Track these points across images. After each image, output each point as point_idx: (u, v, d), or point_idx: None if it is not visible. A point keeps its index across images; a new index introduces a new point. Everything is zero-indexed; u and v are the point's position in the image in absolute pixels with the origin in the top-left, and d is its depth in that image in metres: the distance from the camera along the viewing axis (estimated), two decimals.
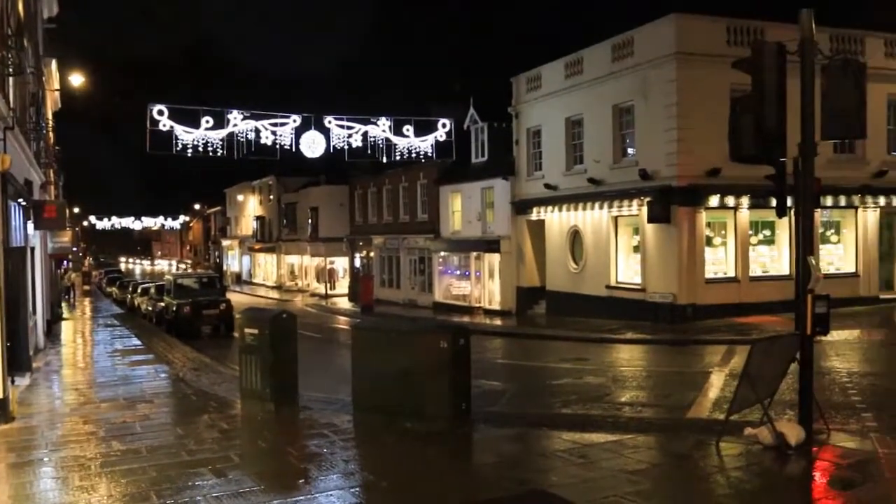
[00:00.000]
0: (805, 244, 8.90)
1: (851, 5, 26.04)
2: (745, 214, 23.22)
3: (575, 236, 27.72)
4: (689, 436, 9.38)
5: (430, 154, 24.14)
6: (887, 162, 24.86)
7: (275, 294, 55.95)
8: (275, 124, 22.61)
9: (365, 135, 24.04)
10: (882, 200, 24.81)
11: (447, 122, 25.03)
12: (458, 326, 11.25)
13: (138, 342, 23.12)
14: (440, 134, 24.99)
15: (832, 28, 23.48)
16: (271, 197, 62.03)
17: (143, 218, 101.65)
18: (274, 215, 61.85)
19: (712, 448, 8.67)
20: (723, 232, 23.73)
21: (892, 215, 25.72)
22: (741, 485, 7.71)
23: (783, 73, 8.48)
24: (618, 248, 25.83)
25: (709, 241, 23.42)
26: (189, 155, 21.55)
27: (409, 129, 24.93)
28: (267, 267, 66.73)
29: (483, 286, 33.69)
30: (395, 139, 24.56)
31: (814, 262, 8.68)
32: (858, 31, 24.48)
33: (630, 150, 25.17)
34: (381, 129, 24.22)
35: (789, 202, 9.22)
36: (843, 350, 16.70)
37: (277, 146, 22.64)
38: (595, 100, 26.19)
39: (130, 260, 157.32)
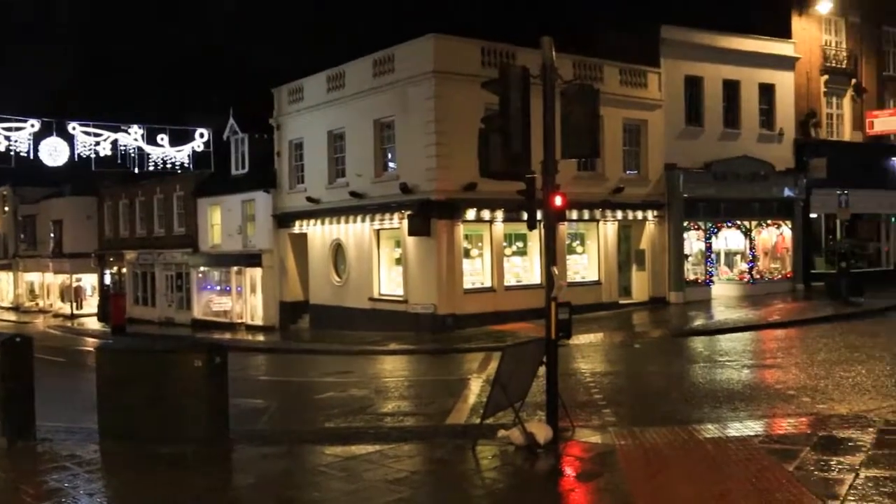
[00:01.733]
0: (549, 255, 9.49)
1: (595, 36, 28.27)
2: (499, 227, 24.45)
3: (338, 249, 27.77)
4: (448, 441, 9.68)
5: (187, 165, 23.20)
6: (623, 179, 27.30)
7: (11, 316, 50.91)
8: (9, 129, 20.63)
9: (115, 143, 22.60)
10: (619, 214, 27.17)
11: (205, 131, 24.19)
12: (213, 344, 10.87)
13: None
14: (198, 144, 24.11)
15: (574, 56, 25.39)
16: (6, 209, 56.41)
17: None
18: (9, 229, 56.28)
19: (469, 452, 9.01)
20: (479, 244, 24.83)
21: (628, 228, 28.24)
22: (495, 485, 8.08)
23: (527, 94, 9.03)
24: (380, 260, 26.21)
25: (467, 253, 24.40)
26: None
27: (163, 139, 23.80)
28: (1, 286, 60.58)
29: (245, 301, 32.80)
30: (148, 148, 23.33)
31: (556, 271, 9.28)
32: (598, 59, 26.67)
33: (391, 165, 25.67)
34: (132, 137, 22.88)
35: (539, 215, 9.75)
36: (587, 352, 18.04)
37: (12, 153, 20.66)
38: (357, 114, 26.45)
39: None
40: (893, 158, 36.42)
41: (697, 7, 30.50)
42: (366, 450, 9.30)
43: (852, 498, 6.87)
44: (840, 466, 7.79)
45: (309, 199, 28.60)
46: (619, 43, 27.89)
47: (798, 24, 33.04)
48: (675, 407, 11.59)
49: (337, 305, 27.47)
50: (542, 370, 9.62)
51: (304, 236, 29.50)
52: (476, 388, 14.14)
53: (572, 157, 9.70)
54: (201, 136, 24.62)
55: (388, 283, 25.98)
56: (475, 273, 24.61)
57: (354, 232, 26.79)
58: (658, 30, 28.45)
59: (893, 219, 36.26)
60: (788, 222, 31.53)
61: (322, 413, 12.81)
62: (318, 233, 28.56)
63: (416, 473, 8.47)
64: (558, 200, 9.54)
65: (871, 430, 9.18)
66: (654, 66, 28.27)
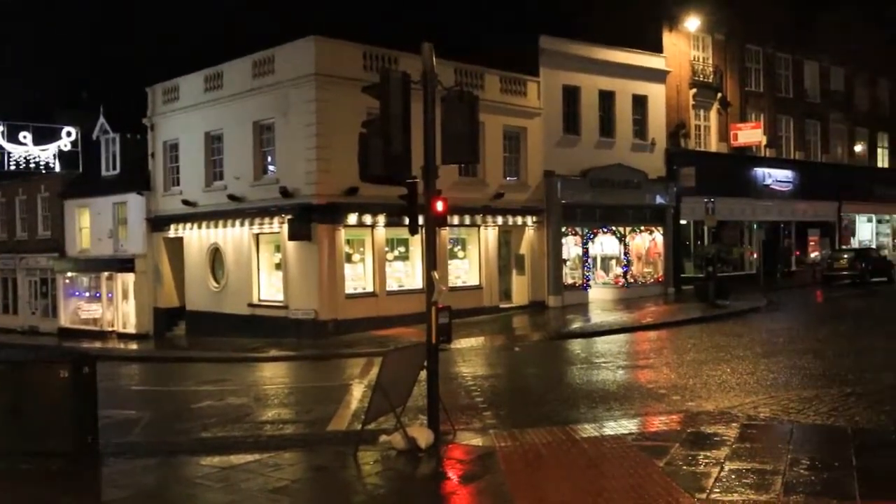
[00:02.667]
0: (430, 260, 9.53)
1: (477, 44, 28.69)
2: (381, 232, 24.40)
3: (216, 254, 27.03)
4: (329, 448, 9.57)
5: (52, 165, 21.88)
6: (504, 185, 27.77)
7: None
8: None
9: None
10: (500, 220, 27.60)
11: (73, 130, 23.01)
12: (80, 354, 10.35)
13: None
14: (64, 143, 22.91)
15: (456, 62, 25.68)
16: None
17: None
18: None
19: (350, 458, 8.92)
20: (361, 249, 24.70)
21: (508, 233, 28.74)
22: (376, 490, 8.03)
23: (408, 99, 9.06)
24: (260, 265, 25.67)
25: (348, 258, 24.23)
26: None
27: (26, 137, 22.50)
28: None
29: (116, 308, 31.43)
30: (9, 146, 22.00)
31: (437, 276, 9.33)
32: (479, 67, 27.04)
33: (271, 168, 25.21)
34: None
35: (421, 220, 9.76)
36: (469, 356, 18.23)
37: None
38: (236, 115, 25.84)
39: None
40: (755, 168, 38.63)
41: (575, 19, 31.52)
42: (244, 459, 9.07)
43: (717, 490, 7.20)
44: (707, 460, 8.15)
45: (185, 202, 27.71)
46: (501, 52, 28.39)
47: (669, 39, 34.57)
48: (554, 408, 11.85)
49: (215, 312, 26.72)
50: (423, 375, 9.64)
51: (179, 240, 28.55)
52: (358, 393, 14.04)
53: (452, 163, 9.77)
54: (68, 134, 23.34)
55: (268, 288, 25.49)
56: (357, 278, 24.46)
57: (233, 236, 26.15)
58: (537, 40, 29.15)
59: (756, 225, 38.40)
60: (660, 228, 32.88)
61: (198, 423, 12.40)
62: (195, 237, 27.71)
63: (296, 482, 8.32)
64: (440, 205, 9.60)
65: (734, 425, 9.66)
66: (534, 76, 28.93)
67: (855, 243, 44.63)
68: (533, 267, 28.94)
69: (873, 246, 44.76)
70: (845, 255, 37.11)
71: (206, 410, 13.56)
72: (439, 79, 9.63)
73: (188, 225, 27.78)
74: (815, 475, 7.46)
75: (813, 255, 41.47)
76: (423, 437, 9.08)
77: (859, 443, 8.55)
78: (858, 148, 47.09)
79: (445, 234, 25.18)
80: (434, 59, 9.38)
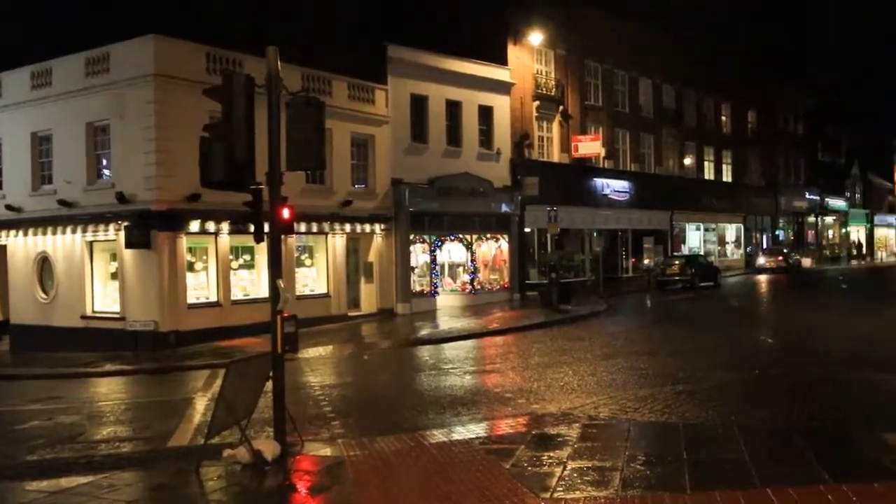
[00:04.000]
0: (275, 268, 9.31)
1: (326, 50, 28.39)
2: (225, 240, 23.65)
3: (44, 263, 25.34)
4: (169, 465, 9.14)
5: None
6: (352, 193, 27.63)
7: None
8: None
9: None
10: (348, 227, 27.42)
11: None
12: None
13: None
14: None
15: (304, 68, 25.34)
16: None
17: None
18: None
19: (193, 475, 8.56)
20: (204, 257, 23.85)
21: (356, 240, 28.60)
22: None
23: (251, 104, 8.82)
24: (94, 275, 24.27)
25: (190, 267, 23.33)
26: None
27: None
28: None
29: None
30: None
31: (282, 284, 9.13)
32: (327, 73, 26.79)
33: (106, 172, 23.91)
34: None
35: (267, 228, 9.53)
36: (317, 365, 17.96)
37: None
38: (67, 116, 24.33)
39: None
40: (595, 179, 40.38)
41: (424, 30, 31.86)
42: (77, 482, 8.52)
43: (561, 488, 7.42)
44: (550, 460, 8.38)
45: (8, 207, 25.81)
46: (349, 59, 28.28)
47: (513, 52, 35.60)
48: (403, 415, 11.86)
49: (44, 325, 24.99)
50: (269, 385, 9.40)
51: (3, 248, 26.55)
52: (201, 407, 13.52)
53: (297, 170, 9.59)
54: None
55: (104, 299, 24.14)
56: (200, 287, 23.60)
57: (64, 244, 24.59)
58: (385, 48, 29.27)
59: (595, 233, 40.12)
60: (506, 236, 33.73)
61: (24, 445, 11.52)
62: (21, 245, 25.86)
63: (134, 502, 7.89)
64: (286, 213, 9.41)
65: (576, 425, 10.00)
66: (382, 83, 29.01)
67: (685, 250, 47.55)
68: (381, 274, 28.96)
69: (702, 252, 47.84)
70: (676, 262, 39.41)
71: (34, 431, 12.63)
72: (285, 83, 9.45)
73: (13, 232, 25.89)
74: (650, 470, 7.83)
75: (647, 261, 43.81)
76: (270, 449, 8.85)
77: (690, 437, 9.06)
78: (688, 161, 50.27)
79: (292, 241, 24.75)
80: (279, 63, 9.19)
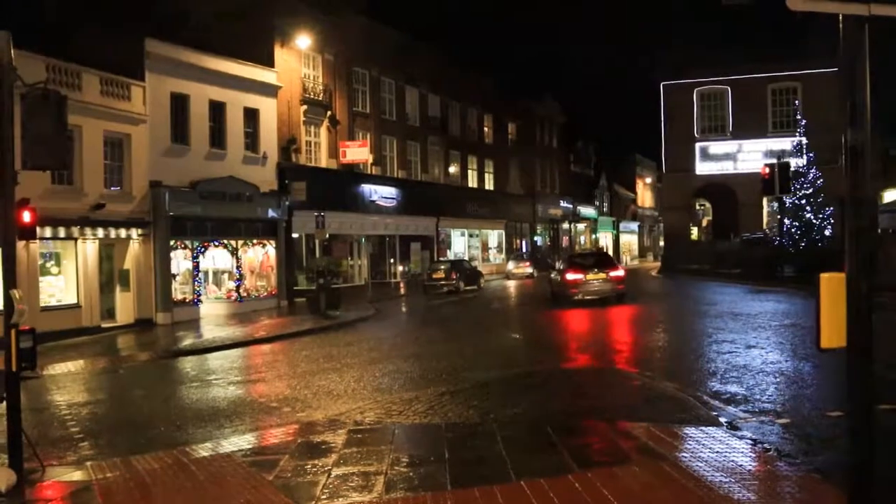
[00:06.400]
0: (8, 277, 8.44)
1: (77, 41, 26.25)
2: None
3: None
4: None
5: None
6: (105, 195, 25.77)
7: None
8: None
9: None
10: (101, 232, 25.57)
11: None
12: None
13: None
14: None
15: (49, 58, 23.31)
16: None
17: None
18: None
19: None
20: None
21: (111, 246, 26.77)
22: None
23: None
24: None
25: None
26: None
27: None
28: None
29: None
30: None
31: (18, 295, 8.30)
32: (77, 65, 24.81)
33: None
34: None
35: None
36: (66, 382, 16.55)
37: None
38: None
39: None
40: (363, 185, 40.73)
41: (187, 25, 30.47)
42: None
43: (325, 496, 7.33)
44: (315, 469, 8.27)
45: None
46: (104, 51, 26.35)
47: (281, 55, 35.06)
48: (161, 431, 11.22)
49: None
50: (3, 407, 8.51)
51: None
52: None
53: (36, 169, 8.76)
54: None
55: None
56: None
57: None
58: (143, 43, 27.67)
59: (363, 239, 40.46)
60: (273, 242, 33.10)
61: None
62: None
63: None
64: (26, 216, 8.59)
65: (341, 431, 9.96)
66: (140, 80, 27.39)
67: (451, 255, 49.21)
68: (139, 283, 27.32)
69: (466, 258, 49.75)
70: (442, 267, 40.67)
71: None
72: (22, 74, 8.60)
73: None
74: (413, 471, 7.95)
75: (411, 266, 44.87)
76: (3, 478, 8.00)
77: (452, 436, 9.32)
78: (452, 169, 52.17)
79: (35, 247, 22.74)
80: (12, 50, 8.34)
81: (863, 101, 4.40)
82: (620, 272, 28.42)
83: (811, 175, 40.36)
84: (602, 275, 27.30)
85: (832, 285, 4.50)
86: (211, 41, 30.44)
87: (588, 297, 26.94)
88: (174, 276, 28.61)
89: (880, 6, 4.23)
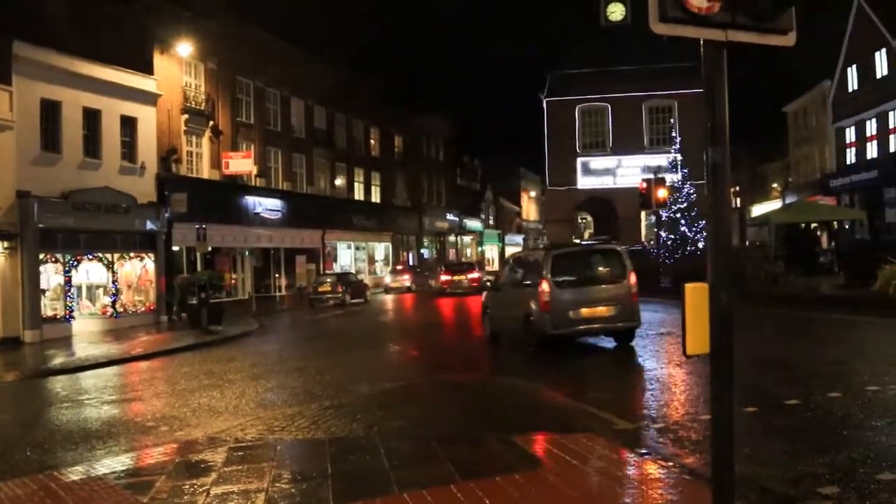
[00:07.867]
0: None
1: None
2: None
3: None
4: None
5: None
6: None
7: None
8: None
9: None
10: None
11: None
12: None
13: None
14: None
15: None
16: None
17: None
18: None
19: None
20: None
21: None
22: None
23: None
24: None
25: None
26: None
27: None
28: None
29: None
30: None
31: None
32: None
33: None
34: None
35: None
36: None
37: None
38: None
39: None
40: (247, 197, 39.97)
41: (60, 29, 29.14)
42: None
43: None
44: (192, 489, 8.00)
45: None
46: None
47: (161, 62, 34.06)
48: (28, 455, 10.61)
49: None
50: None
51: None
52: None
53: None
54: None
55: None
56: None
57: None
58: (10, 44, 26.30)
59: (247, 252, 39.64)
60: (152, 255, 32.02)
61: None
62: None
63: None
64: None
65: (221, 449, 9.68)
66: (6, 84, 26.01)
67: (337, 268, 48.86)
68: (5, 298, 25.87)
69: (352, 270, 49.48)
70: (328, 279, 40.33)
71: None
72: None
73: None
74: (294, 487, 7.81)
75: (300, 280, 44.28)
76: None
77: (335, 451, 9.21)
78: (339, 181, 51.86)
79: None
80: None
81: (722, 121, 4.67)
82: (477, 274, 45.29)
83: (685, 190, 42.27)
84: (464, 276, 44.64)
85: (696, 295, 4.71)
86: (87, 46, 29.26)
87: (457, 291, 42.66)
88: (44, 291, 27.24)
89: (736, 32, 4.52)
